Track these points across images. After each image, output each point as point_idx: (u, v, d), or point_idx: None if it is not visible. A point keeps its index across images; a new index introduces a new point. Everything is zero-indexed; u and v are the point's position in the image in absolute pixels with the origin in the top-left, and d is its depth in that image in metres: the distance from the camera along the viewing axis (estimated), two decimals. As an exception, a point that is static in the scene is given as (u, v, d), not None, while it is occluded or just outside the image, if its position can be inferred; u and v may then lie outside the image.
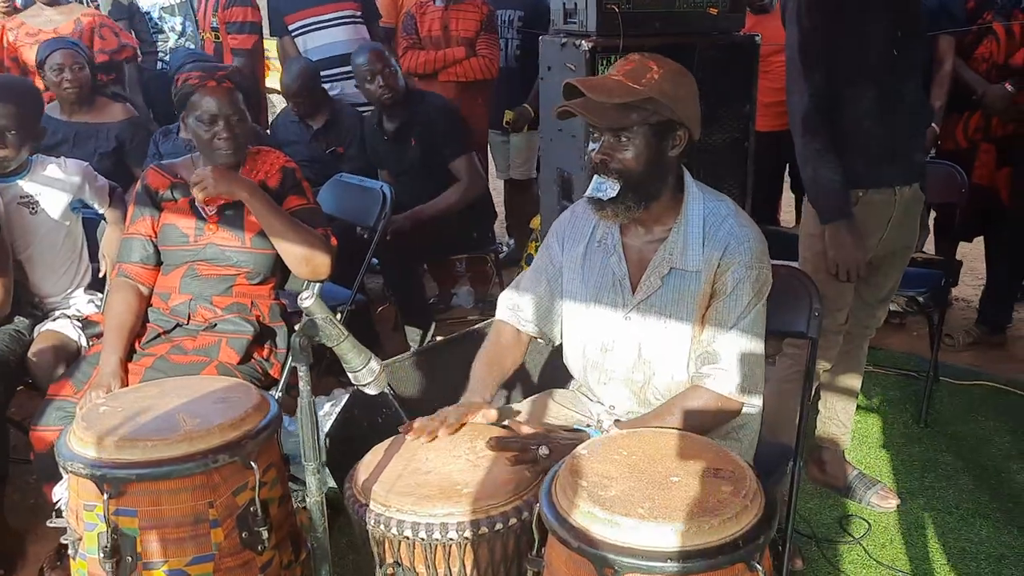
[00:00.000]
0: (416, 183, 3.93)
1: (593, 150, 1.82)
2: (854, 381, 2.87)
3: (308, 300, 1.43)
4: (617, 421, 1.83)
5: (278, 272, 2.64)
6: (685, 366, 1.86)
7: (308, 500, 1.50)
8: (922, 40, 2.58)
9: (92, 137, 3.71)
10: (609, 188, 1.78)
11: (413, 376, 2.79)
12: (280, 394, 2.59)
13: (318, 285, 2.73)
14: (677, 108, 1.79)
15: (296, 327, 2.59)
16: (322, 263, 2.51)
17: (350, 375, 1.54)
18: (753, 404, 1.84)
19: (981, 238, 4.19)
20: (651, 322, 1.87)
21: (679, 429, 1.71)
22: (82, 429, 1.68)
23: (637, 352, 1.89)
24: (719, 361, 1.81)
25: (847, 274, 2.49)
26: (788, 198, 5.11)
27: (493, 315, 2.20)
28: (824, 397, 2.85)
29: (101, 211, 3.05)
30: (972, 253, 4.41)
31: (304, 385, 1.43)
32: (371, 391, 1.56)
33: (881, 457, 3.09)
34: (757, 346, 1.85)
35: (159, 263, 2.56)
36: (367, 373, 1.54)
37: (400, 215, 3.84)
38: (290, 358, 2.54)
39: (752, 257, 1.82)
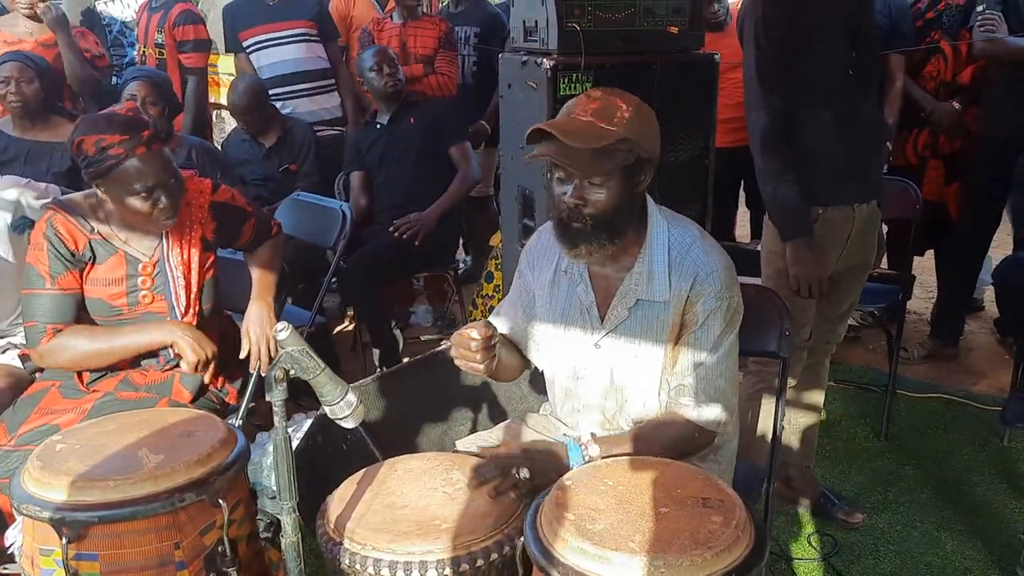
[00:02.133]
0: (402, 171, 3.94)
1: (564, 193, 1.75)
2: (818, 397, 2.89)
3: (283, 333, 1.37)
4: (593, 435, 1.78)
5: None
6: (656, 393, 1.84)
7: (284, 541, 1.43)
8: (877, 60, 2.61)
9: (46, 156, 3.57)
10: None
11: (378, 401, 2.72)
12: (241, 421, 2.52)
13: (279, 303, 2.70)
14: (647, 144, 1.76)
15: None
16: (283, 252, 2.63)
17: (326, 409, 1.48)
18: (727, 433, 1.84)
19: (931, 252, 4.28)
20: (621, 351, 1.85)
21: (659, 455, 1.69)
22: (38, 469, 1.59)
23: (609, 379, 1.87)
24: (694, 393, 1.79)
25: (809, 290, 2.50)
26: (742, 213, 5.16)
27: (451, 333, 2.15)
28: (789, 414, 2.85)
29: None
30: (920, 266, 4.49)
31: (279, 420, 1.37)
32: (348, 425, 1.50)
33: (845, 472, 3.11)
34: (730, 376, 1.83)
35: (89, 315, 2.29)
36: (344, 406, 1.48)
37: (415, 215, 3.82)
38: (251, 384, 2.47)
39: (722, 287, 1.79)
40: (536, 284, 1.98)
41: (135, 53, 4.63)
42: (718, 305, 1.79)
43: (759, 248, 2.81)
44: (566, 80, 2.97)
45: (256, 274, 2.55)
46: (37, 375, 2.47)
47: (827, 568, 2.60)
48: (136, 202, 2.14)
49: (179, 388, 2.31)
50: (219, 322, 2.52)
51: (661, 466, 1.54)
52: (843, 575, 2.57)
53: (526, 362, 2.05)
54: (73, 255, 2.21)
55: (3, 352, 2.70)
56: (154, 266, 2.29)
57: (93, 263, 2.24)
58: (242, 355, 2.41)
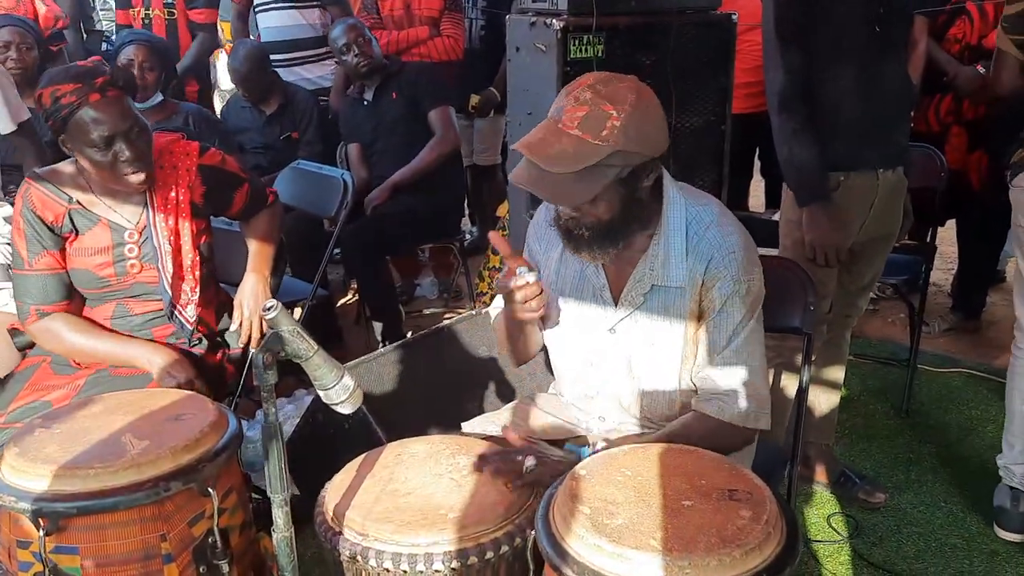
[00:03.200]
0: (396, 143, 3.84)
1: (561, 207, 1.62)
2: (838, 373, 2.78)
3: (272, 312, 1.26)
4: (608, 442, 1.66)
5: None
6: (677, 382, 1.71)
7: (275, 536, 1.33)
8: (906, 19, 2.47)
9: (38, 123, 3.46)
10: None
11: (381, 377, 2.63)
12: (238, 399, 2.42)
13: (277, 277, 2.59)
14: (646, 149, 1.57)
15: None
16: (283, 223, 2.54)
17: (320, 393, 1.37)
18: (762, 425, 1.68)
19: (952, 222, 4.14)
20: (637, 337, 1.72)
21: None
22: (13, 455, 1.48)
23: (627, 367, 1.74)
24: (718, 386, 1.65)
25: (826, 258, 2.39)
26: (756, 183, 5.02)
27: (458, 306, 2.06)
28: (808, 390, 2.75)
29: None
30: (941, 236, 4.35)
31: (269, 407, 1.26)
32: (345, 410, 1.39)
33: (866, 450, 3.01)
34: (757, 365, 1.68)
35: (76, 292, 2.19)
36: (340, 390, 1.37)
37: (375, 190, 3.71)
38: (248, 360, 2.37)
39: (739, 269, 1.64)
40: (543, 260, 1.86)
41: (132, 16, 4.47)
42: (736, 289, 1.64)
43: (774, 218, 2.70)
44: (577, 42, 2.83)
45: (252, 245, 2.43)
46: (27, 352, 2.39)
47: (848, 550, 2.51)
48: (96, 155, 2.01)
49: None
50: (215, 294, 2.40)
51: (683, 454, 1.43)
52: (864, 557, 2.47)
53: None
54: (51, 229, 2.11)
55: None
56: (140, 233, 2.17)
57: (76, 234, 2.13)
58: (232, 328, 2.31)
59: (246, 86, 4.01)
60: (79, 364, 2.22)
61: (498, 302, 1.96)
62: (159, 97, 3.62)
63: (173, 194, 2.19)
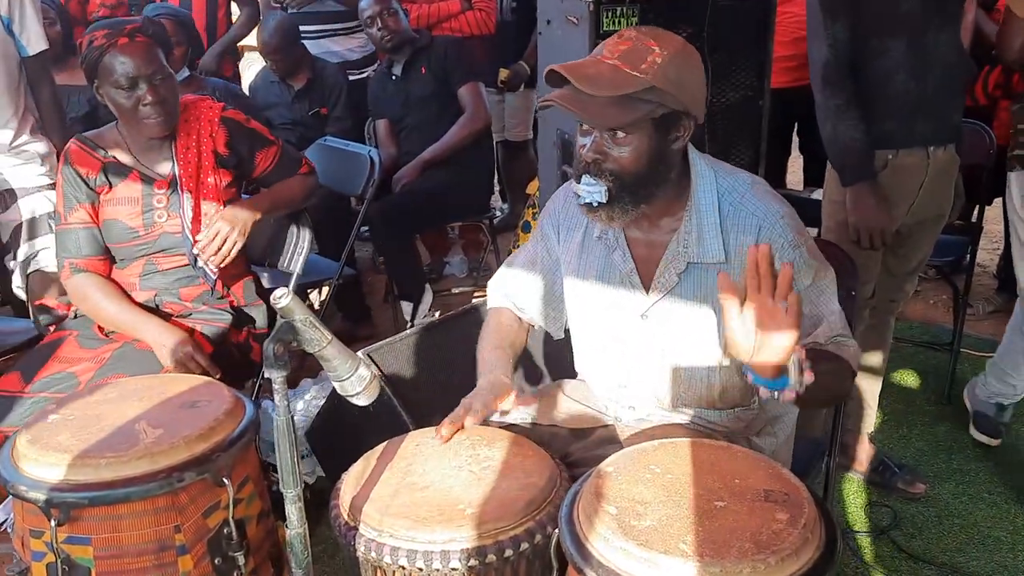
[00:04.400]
0: (425, 119, 3.79)
1: (583, 145, 1.54)
2: (879, 359, 2.69)
3: (283, 300, 1.20)
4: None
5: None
6: (717, 363, 1.64)
7: (289, 532, 1.28)
8: (959, -12, 2.35)
9: (64, 99, 3.44)
10: (599, 193, 1.51)
11: (407, 359, 2.57)
12: (259, 381, 2.40)
13: (302, 256, 2.55)
14: (683, 96, 1.51)
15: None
16: (308, 200, 2.50)
17: (335, 384, 1.31)
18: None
19: (998, 200, 3.99)
20: (672, 321, 1.64)
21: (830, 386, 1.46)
22: (26, 443, 1.45)
23: (660, 353, 1.67)
24: (844, 336, 1.57)
25: (871, 241, 2.29)
26: (795, 159, 4.89)
27: (486, 284, 1.99)
28: (847, 377, 2.67)
29: (29, 49, 2.69)
30: (988, 215, 4.20)
31: (280, 400, 1.21)
32: (360, 402, 1.34)
33: (905, 438, 2.92)
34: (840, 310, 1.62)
35: (108, 251, 2.26)
36: (356, 381, 1.31)
37: (404, 168, 3.67)
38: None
39: (793, 233, 1.56)
40: (562, 250, 1.78)
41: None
42: (797, 254, 1.55)
43: (813, 196, 2.60)
44: (609, 15, 2.75)
45: (266, 191, 2.42)
46: (51, 328, 2.39)
47: (886, 542, 2.43)
48: (119, 96, 2.12)
49: (200, 339, 2.20)
50: (244, 269, 2.40)
51: (714, 450, 1.36)
52: (903, 549, 2.39)
53: (528, 331, 1.91)
54: (85, 182, 2.20)
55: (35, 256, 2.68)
56: (168, 184, 2.22)
57: (110, 187, 2.22)
58: (197, 248, 2.23)
59: (275, 58, 3.94)
60: (105, 334, 2.23)
61: (497, 291, 1.92)
62: (185, 72, 3.58)
63: (195, 142, 2.24)
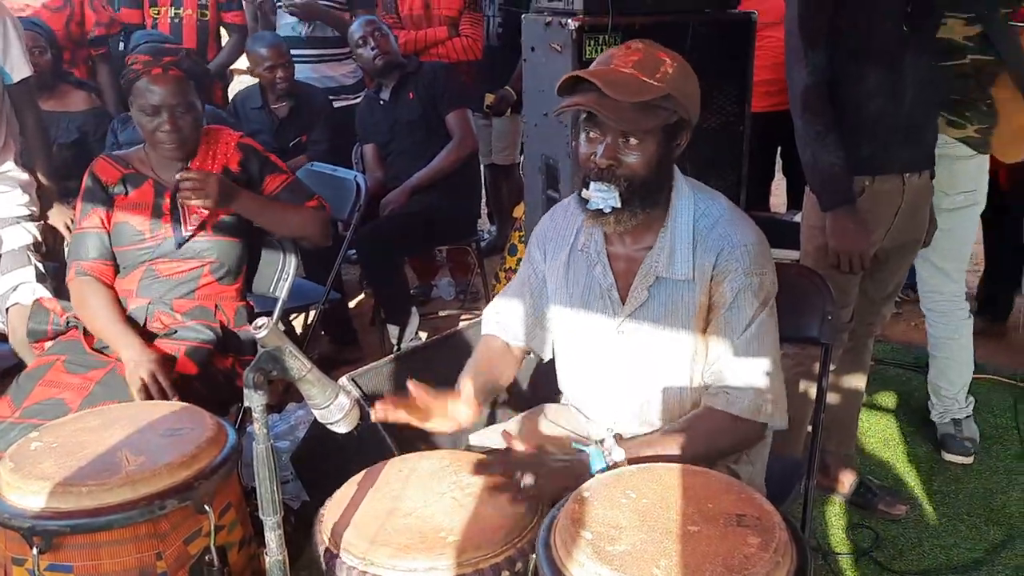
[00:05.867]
0: (413, 144, 3.81)
1: (593, 153, 1.59)
2: (859, 382, 2.71)
3: (262, 331, 1.22)
4: (618, 436, 1.62)
5: (244, 268, 2.46)
6: (688, 381, 1.68)
7: (268, 559, 1.30)
8: (935, 17, 2.39)
9: (52, 126, 3.47)
10: (614, 199, 1.57)
11: (392, 383, 2.58)
12: (244, 407, 2.40)
13: (288, 281, 2.56)
14: (690, 106, 1.61)
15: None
16: (321, 235, 2.52)
17: (315, 413, 1.33)
18: (775, 422, 1.64)
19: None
20: (645, 336, 1.68)
21: (693, 455, 1.53)
22: (8, 471, 1.46)
23: (634, 368, 1.71)
24: (727, 380, 1.62)
25: (850, 265, 2.32)
26: (778, 182, 4.94)
27: (475, 308, 2.02)
28: (828, 399, 2.68)
29: (12, 76, 2.74)
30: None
31: (260, 428, 1.23)
32: (340, 430, 1.36)
33: (886, 460, 2.94)
34: (769, 358, 1.65)
35: (115, 258, 2.37)
36: (336, 410, 1.33)
37: (391, 193, 3.68)
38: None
39: (750, 262, 1.62)
40: (548, 269, 1.82)
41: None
42: (747, 282, 1.61)
43: (796, 219, 2.63)
44: (592, 42, 2.79)
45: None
46: (40, 346, 2.43)
47: (868, 563, 2.44)
48: (143, 118, 2.30)
49: (184, 361, 2.24)
50: (239, 291, 2.47)
51: (690, 475, 1.38)
52: (886, 569, 2.41)
53: (520, 361, 1.92)
54: (104, 188, 2.37)
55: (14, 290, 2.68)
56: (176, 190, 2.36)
57: (126, 195, 2.37)
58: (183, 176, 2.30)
59: (283, 74, 3.87)
60: (92, 348, 2.28)
61: (490, 316, 1.92)
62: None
63: (210, 161, 2.41)
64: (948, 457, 2.92)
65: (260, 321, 1.23)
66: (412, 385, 1.61)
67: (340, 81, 4.43)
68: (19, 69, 2.72)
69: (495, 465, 1.55)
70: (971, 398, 3.00)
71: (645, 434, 1.66)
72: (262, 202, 2.42)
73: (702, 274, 1.63)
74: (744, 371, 1.62)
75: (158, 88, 2.25)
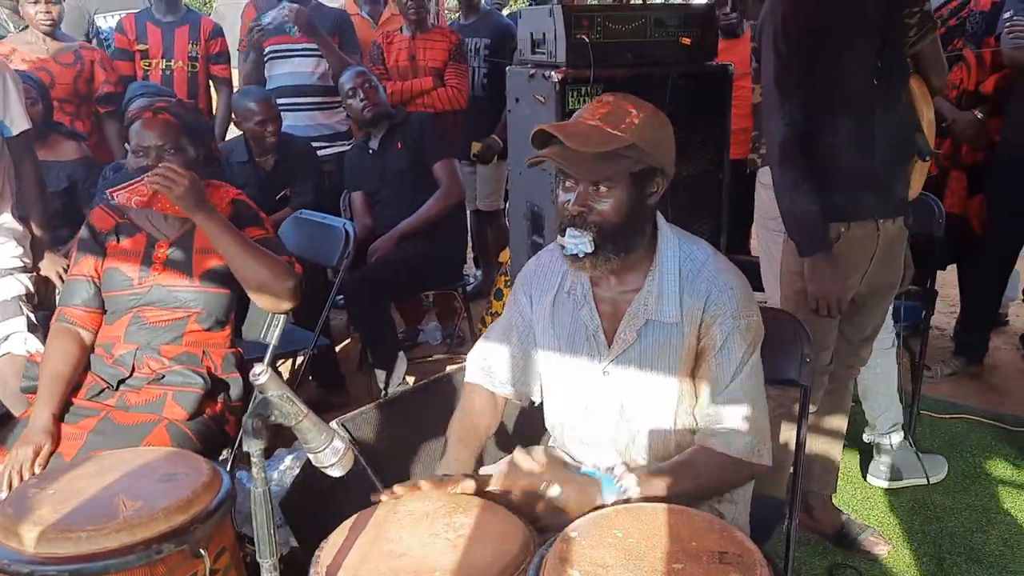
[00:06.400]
0: (401, 192, 3.86)
1: (567, 201, 1.67)
2: (840, 422, 2.76)
3: (262, 377, 1.27)
4: (627, 466, 1.67)
5: (232, 316, 2.49)
6: (673, 422, 1.73)
7: (265, 603, 1.32)
8: (905, 69, 2.49)
9: (43, 175, 3.52)
10: (585, 244, 1.64)
11: (380, 428, 2.61)
12: (236, 452, 2.43)
13: (279, 327, 2.58)
14: (657, 154, 1.67)
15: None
16: (285, 291, 2.37)
17: (310, 456, 1.37)
18: (764, 461, 1.70)
19: (953, 266, 4.14)
20: (631, 377, 1.73)
21: (695, 490, 1.61)
22: (6, 517, 1.49)
23: (619, 410, 1.76)
24: (724, 421, 1.68)
25: (828, 308, 2.39)
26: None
27: (461, 352, 2.07)
28: (809, 441, 2.73)
29: (12, 129, 2.80)
30: (942, 279, 4.35)
31: (258, 472, 1.26)
32: (335, 473, 1.40)
33: (868, 499, 2.99)
34: (759, 399, 1.72)
35: (102, 306, 2.41)
36: (331, 453, 1.37)
37: (379, 240, 3.73)
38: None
39: (738, 306, 1.69)
40: (535, 312, 1.88)
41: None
42: (736, 325, 1.68)
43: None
44: (575, 93, 2.88)
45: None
46: (30, 398, 2.42)
47: (851, 603, 2.48)
48: (132, 156, 2.37)
49: (172, 404, 2.26)
50: (228, 338, 2.50)
51: (675, 515, 1.42)
52: (869, 609, 2.45)
53: (502, 410, 1.97)
54: (96, 235, 2.43)
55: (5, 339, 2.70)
56: (170, 244, 2.42)
57: (117, 241, 2.43)
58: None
59: (272, 127, 3.83)
60: (84, 399, 2.28)
61: (476, 362, 1.97)
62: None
63: None
64: (868, 479, 3.09)
65: (258, 368, 1.28)
66: (424, 481, 1.68)
67: (335, 128, 4.48)
68: (18, 122, 2.79)
69: (521, 476, 1.60)
70: (896, 427, 3.09)
71: (652, 465, 1.71)
72: (229, 229, 2.32)
73: (691, 317, 1.69)
74: (739, 412, 1.68)
75: (147, 131, 2.34)
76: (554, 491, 1.56)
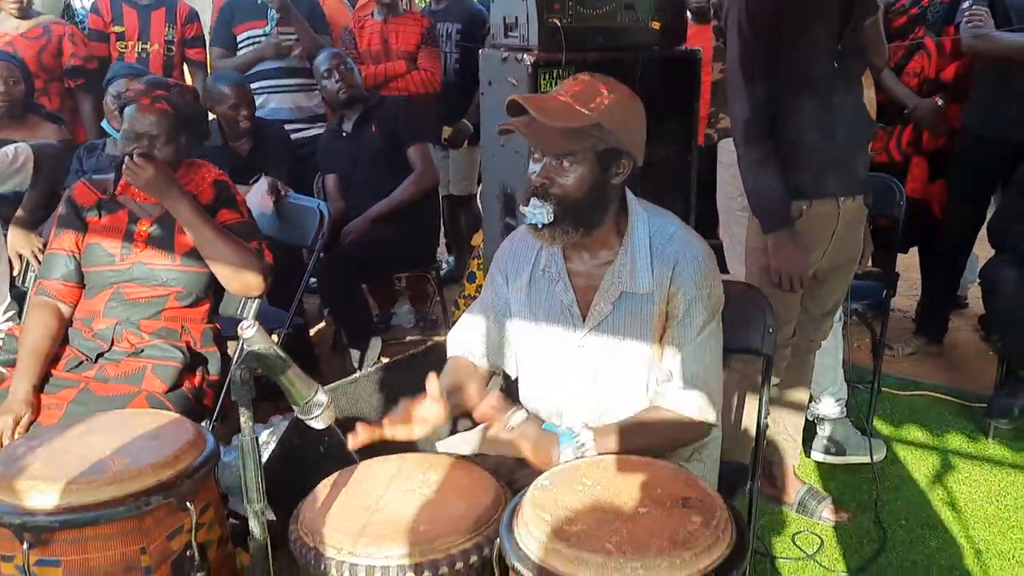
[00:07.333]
0: (374, 175, 3.89)
1: (533, 172, 1.74)
2: (802, 395, 2.86)
3: (249, 330, 1.33)
4: (586, 424, 1.74)
5: (211, 294, 2.54)
6: (644, 392, 1.80)
7: (251, 544, 1.39)
8: (863, 53, 2.58)
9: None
10: (544, 215, 1.70)
11: (356, 401, 2.68)
12: (215, 424, 2.47)
13: (255, 304, 2.63)
14: (624, 136, 1.73)
15: (231, 354, 2.53)
16: (253, 278, 2.43)
17: (294, 407, 1.43)
18: (709, 420, 1.78)
19: (915, 249, 4.27)
20: (605, 349, 1.81)
21: (648, 446, 1.67)
22: (-2, 473, 1.54)
23: (593, 380, 1.83)
24: (674, 381, 1.76)
25: (790, 283, 2.47)
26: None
27: (434, 335, 2.12)
28: (773, 412, 2.83)
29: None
30: (904, 263, 4.48)
31: (246, 421, 1.33)
32: (318, 425, 1.46)
33: (829, 470, 3.09)
34: (714, 365, 1.81)
35: (81, 280, 2.43)
36: (314, 406, 1.44)
37: (353, 222, 3.76)
38: (225, 386, 2.43)
39: (701, 276, 1.77)
40: (511, 290, 1.94)
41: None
42: (699, 294, 1.76)
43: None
44: (547, 76, 2.92)
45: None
46: (6, 371, 2.45)
47: (812, 566, 2.58)
48: (122, 139, 2.40)
49: (151, 377, 2.30)
50: (207, 314, 2.54)
51: (642, 465, 1.51)
52: (828, 572, 2.54)
53: (487, 380, 2.01)
54: (78, 210, 2.45)
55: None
56: (152, 221, 2.45)
57: (99, 219, 2.45)
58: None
59: (246, 113, 3.84)
60: (64, 371, 2.32)
61: (456, 339, 2.03)
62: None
63: (187, 188, 2.44)
64: (812, 455, 3.14)
65: (246, 323, 1.34)
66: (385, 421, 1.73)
67: (315, 111, 4.51)
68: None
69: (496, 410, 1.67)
70: (841, 402, 3.14)
71: (608, 425, 1.77)
72: (199, 212, 2.37)
73: (660, 286, 1.77)
74: (691, 375, 1.76)
75: (142, 117, 2.36)
76: (517, 418, 1.63)
